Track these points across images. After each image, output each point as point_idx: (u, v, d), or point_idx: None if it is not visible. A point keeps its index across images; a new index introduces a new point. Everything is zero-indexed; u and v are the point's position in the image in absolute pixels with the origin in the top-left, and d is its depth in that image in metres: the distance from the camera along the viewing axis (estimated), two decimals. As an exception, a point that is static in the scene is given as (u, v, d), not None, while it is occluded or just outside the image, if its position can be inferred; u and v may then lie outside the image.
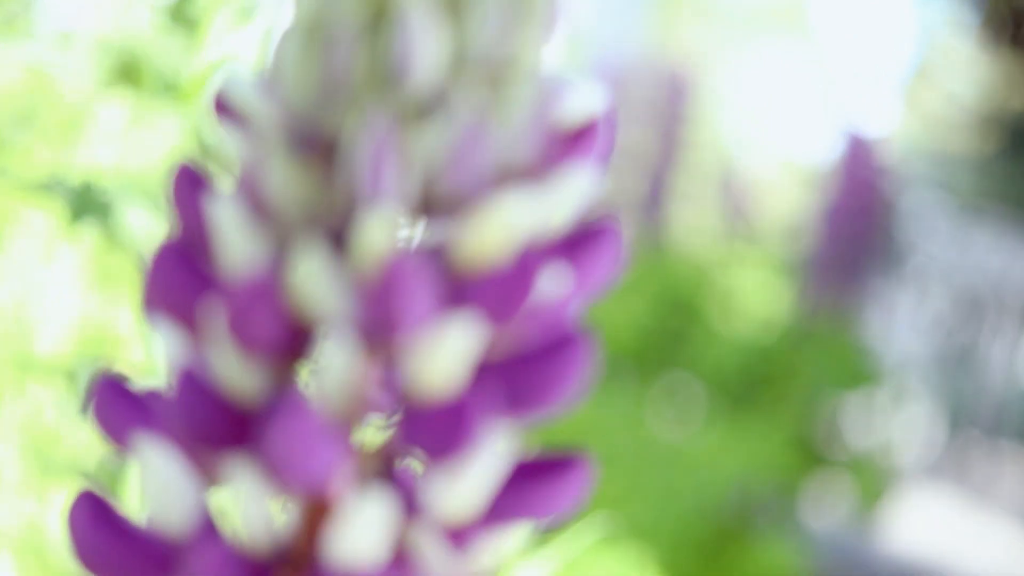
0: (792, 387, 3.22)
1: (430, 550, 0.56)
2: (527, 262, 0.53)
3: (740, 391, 3.16)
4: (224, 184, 0.57)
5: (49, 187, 1.27)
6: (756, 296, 3.65)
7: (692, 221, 4.35)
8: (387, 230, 0.52)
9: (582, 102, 0.57)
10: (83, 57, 1.34)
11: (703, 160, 4.54)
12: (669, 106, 4.24)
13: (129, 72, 1.33)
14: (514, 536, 0.59)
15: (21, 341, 1.27)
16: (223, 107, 0.57)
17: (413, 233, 0.57)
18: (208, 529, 0.55)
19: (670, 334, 3.23)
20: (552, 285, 0.55)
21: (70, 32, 1.36)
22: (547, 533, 1.70)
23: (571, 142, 0.57)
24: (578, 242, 0.56)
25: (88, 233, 1.30)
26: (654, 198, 4.17)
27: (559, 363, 0.54)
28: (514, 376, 0.54)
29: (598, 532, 1.79)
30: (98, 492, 0.58)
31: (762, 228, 4.49)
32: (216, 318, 0.53)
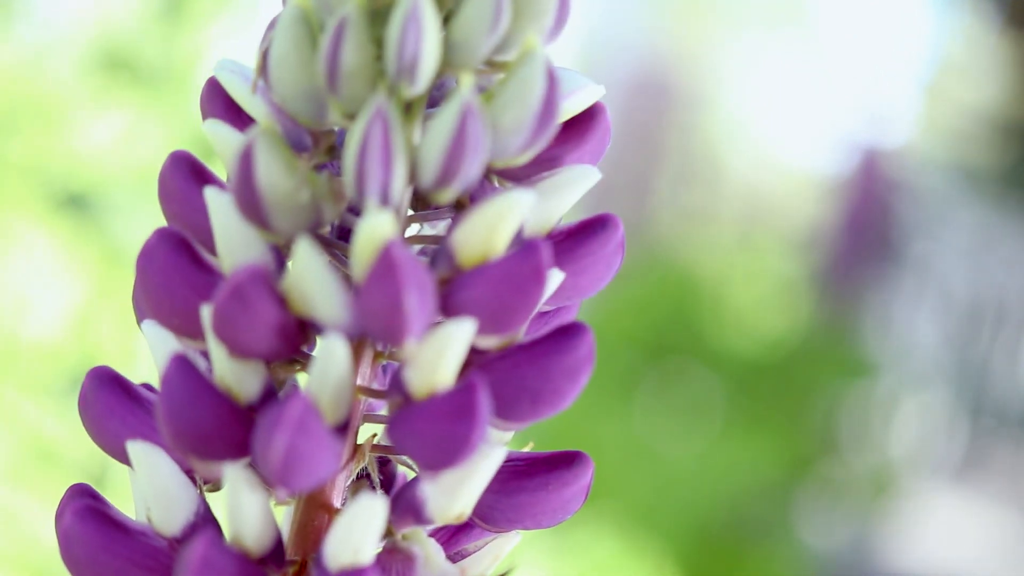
0: (796, 397, 3.21)
1: (425, 551, 0.55)
2: (527, 255, 0.51)
3: (745, 403, 3.14)
4: (218, 176, 0.56)
5: (38, 188, 1.27)
6: (761, 308, 3.63)
7: (695, 230, 4.33)
8: (387, 227, 0.51)
9: (581, 96, 0.56)
10: (72, 48, 1.33)
11: (708, 168, 4.53)
12: (672, 112, 4.23)
13: (118, 62, 1.32)
14: (511, 538, 0.58)
15: (13, 342, 1.27)
16: (215, 98, 0.56)
17: (413, 229, 0.57)
18: (203, 528, 0.54)
19: (671, 347, 3.22)
20: (553, 278, 0.54)
21: (59, 22, 1.35)
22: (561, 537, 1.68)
23: (570, 136, 0.56)
24: (578, 235, 0.55)
25: (71, 226, 1.29)
26: (655, 206, 4.17)
27: (560, 355, 0.53)
28: (514, 371, 0.53)
29: (616, 537, 1.78)
30: (89, 490, 0.57)
31: (770, 237, 4.47)
32: (208, 316, 0.52)
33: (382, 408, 0.56)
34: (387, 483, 0.58)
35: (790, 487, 3.05)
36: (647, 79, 4.34)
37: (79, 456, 1.22)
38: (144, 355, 1.23)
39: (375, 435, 0.57)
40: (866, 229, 3.71)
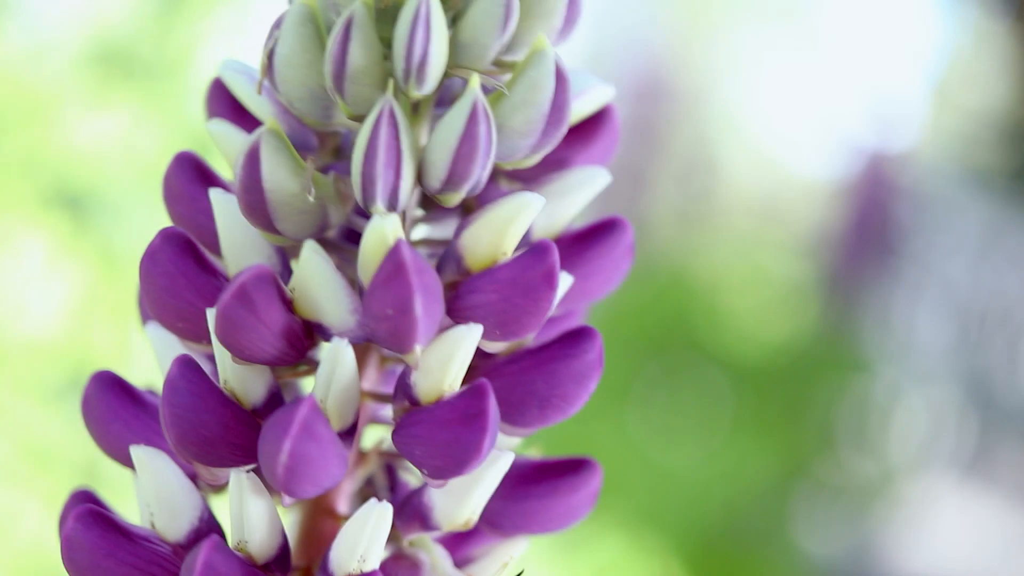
0: (799, 401, 3.19)
1: (431, 557, 0.55)
2: (537, 258, 0.51)
3: (748, 407, 3.13)
4: (223, 178, 0.55)
5: (34, 187, 1.26)
6: (764, 312, 3.62)
7: (697, 233, 4.31)
8: (394, 230, 0.50)
9: (591, 97, 0.55)
10: (67, 46, 1.32)
11: (711, 170, 4.50)
12: (676, 114, 4.21)
13: (113, 60, 1.32)
14: (519, 544, 0.57)
15: (7, 342, 1.26)
16: (220, 98, 0.56)
17: (420, 231, 0.56)
18: (208, 534, 0.53)
19: (672, 351, 3.20)
20: (562, 281, 0.53)
21: (54, 21, 1.35)
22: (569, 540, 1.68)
23: (579, 137, 0.55)
24: (586, 238, 0.55)
25: (66, 225, 1.29)
26: (656, 209, 4.15)
27: (569, 360, 0.52)
28: (522, 376, 0.52)
29: (621, 538, 1.78)
30: (92, 495, 0.56)
31: (774, 241, 4.44)
32: (213, 319, 0.51)
33: (391, 413, 0.55)
34: (393, 489, 0.57)
35: (793, 491, 3.04)
36: (650, 81, 4.33)
37: (73, 456, 1.21)
38: (139, 355, 1.22)
39: (382, 440, 0.56)
40: (871, 232, 3.70)
